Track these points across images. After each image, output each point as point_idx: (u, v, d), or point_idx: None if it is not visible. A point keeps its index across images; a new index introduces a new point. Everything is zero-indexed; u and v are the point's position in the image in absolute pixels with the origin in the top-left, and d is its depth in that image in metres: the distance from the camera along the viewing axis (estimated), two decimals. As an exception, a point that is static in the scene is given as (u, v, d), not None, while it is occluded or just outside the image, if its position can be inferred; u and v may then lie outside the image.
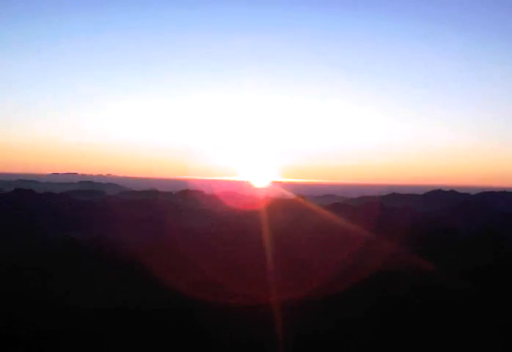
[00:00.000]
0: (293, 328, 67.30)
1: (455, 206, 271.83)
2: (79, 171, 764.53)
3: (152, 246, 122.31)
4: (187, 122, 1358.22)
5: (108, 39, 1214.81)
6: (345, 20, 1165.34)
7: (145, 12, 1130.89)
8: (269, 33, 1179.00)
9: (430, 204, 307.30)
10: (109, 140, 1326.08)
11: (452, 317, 73.55)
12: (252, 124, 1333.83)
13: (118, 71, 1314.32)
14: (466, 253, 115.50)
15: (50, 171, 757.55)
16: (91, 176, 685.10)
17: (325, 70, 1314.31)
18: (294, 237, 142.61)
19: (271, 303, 76.35)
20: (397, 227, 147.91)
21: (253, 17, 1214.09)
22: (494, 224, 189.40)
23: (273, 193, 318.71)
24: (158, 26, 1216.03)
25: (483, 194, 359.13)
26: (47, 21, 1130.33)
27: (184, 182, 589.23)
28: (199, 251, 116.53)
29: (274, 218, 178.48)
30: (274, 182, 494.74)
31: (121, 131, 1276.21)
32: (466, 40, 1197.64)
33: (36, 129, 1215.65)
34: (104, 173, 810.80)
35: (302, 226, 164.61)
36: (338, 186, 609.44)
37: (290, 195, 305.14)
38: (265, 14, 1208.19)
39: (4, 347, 60.59)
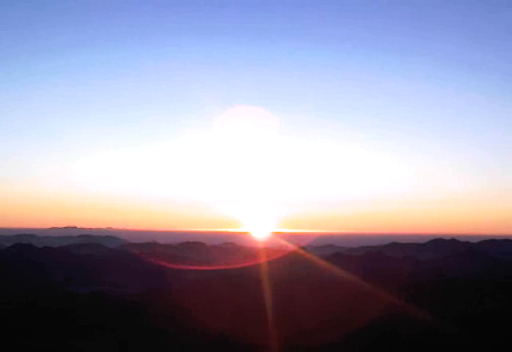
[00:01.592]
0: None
1: (456, 254, 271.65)
2: (78, 225, 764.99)
3: (153, 299, 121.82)
4: (186, 174, 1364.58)
5: (102, 94, 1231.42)
6: (344, 60, 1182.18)
7: (147, 55, 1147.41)
8: (268, 81, 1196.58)
9: (431, 253, 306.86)
10: (108, 193, 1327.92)
11: None
12: (251, 175, 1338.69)
13: (116, 123, 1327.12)
14: (466, 301, 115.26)
15: (49, 226, 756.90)
16: (90, 229, 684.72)
17: (324, 119, 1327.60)
18: (294, 288, 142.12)
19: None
20: (398, 277, 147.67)
21: (251, 61, 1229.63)
22: (495, 273, 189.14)
23: (274, 244, 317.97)
24: (157, 76, 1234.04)
25: (484, 242, 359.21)
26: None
27: (184, 234, 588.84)
28: (199, 303, 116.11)
29: (274, 269, 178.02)
30: (274, 233, 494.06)
31: (120, 184, 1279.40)
32: (468, 82, 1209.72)
33: (34, 183, 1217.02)
34: (103, 226, 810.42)
35: (303, 277, 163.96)
36: (338, 236, 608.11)
37: (290, 246, 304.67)
38: (262, 58, 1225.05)
39: None
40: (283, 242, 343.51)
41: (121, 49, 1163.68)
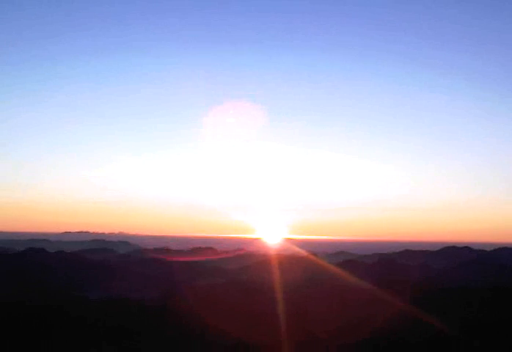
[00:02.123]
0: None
1: (469, 262, 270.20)
2: (91, 230, 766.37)
3: (166, 305, 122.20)
4: (199, 179, 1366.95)
5: (116, 93, 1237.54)
6: (345, 70, 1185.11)
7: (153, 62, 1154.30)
8: (274, 89, 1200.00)
9: (444, 261, 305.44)
10: (121, 198, 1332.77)
11: None
12: (264, 181, 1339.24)
13: (129, 127, 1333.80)
14: (478, 309, 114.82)
15: (62, 230, 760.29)
16: (103, 234, 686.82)
17: (335, 124, 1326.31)
18: (306, 294, 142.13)
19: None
20: (410, 284, 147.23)
21: (253, 70, 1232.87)
22: (508, 281, 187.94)
23: (286, 251, 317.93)
24: (165, 81, 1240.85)
25: (498, 250, 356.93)
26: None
27: (196, 239, 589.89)
28: (211, 309, 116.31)
29: (286, 275, 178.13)
30: (286, 239, 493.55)
31: (133, 189, 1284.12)
32: (469, 90, 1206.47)
33: (47, 187, 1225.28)
34: (116, 231, 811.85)
35: (314, 284, 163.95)
36: (350, 243, 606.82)
37: (302, 252, 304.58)
38: (263, 69, 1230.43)
39: None
40: (295, 248, 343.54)
41: (118, 56, 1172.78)
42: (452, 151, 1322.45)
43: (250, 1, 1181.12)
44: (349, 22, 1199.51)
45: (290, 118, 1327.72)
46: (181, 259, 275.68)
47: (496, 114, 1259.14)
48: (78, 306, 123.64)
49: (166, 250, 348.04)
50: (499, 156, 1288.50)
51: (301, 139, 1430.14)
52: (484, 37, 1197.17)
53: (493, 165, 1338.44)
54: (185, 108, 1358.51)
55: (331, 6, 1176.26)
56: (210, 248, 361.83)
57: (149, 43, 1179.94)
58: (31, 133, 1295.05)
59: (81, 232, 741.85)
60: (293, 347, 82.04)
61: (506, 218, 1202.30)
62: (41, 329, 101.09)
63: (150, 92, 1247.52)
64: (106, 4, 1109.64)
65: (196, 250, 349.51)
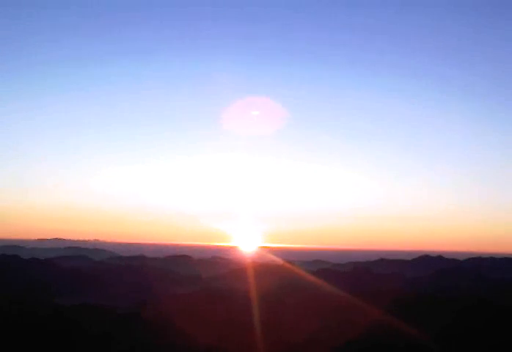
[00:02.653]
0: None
1: (443, 271, 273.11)
2: (66, 237, 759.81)
3: (140, 312, 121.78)
4: (176, 187, 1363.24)
5: (100, 103, 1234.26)
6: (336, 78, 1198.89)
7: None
8: (256, 94, 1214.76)
9: (418, 270, 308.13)
10: (96, 205, 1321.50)
11: None
12: (240, 190, 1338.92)
13: (103, 133, 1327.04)
14: (449, 317, 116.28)
15: (36, 237, 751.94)
16: (78, 241, 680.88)
17: (310, 134, 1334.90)
18: (281, 302, 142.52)
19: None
20: (385, 293, 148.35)
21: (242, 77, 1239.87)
22: (480, 290, 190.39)
23: (261, 259, 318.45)
24: (150, 91, 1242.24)
25: (471, 260, 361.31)
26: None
27: (171, 247, 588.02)
28: (185, 317, 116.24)
29: (262, 283, 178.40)
30: (262, 248, 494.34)
31: (108, 196, 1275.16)
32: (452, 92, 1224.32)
33: (20, 194, 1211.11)
34: (91, 238, 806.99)
35: (290, 292, 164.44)
36: (326, 251, 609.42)
37: (277, 260, 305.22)
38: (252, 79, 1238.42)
39: None
40: (271, 256, 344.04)
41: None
42: (427, 160, 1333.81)
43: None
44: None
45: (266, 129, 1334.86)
46: (157, 267, 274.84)
47: (473, 122, 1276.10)
48: (53, 313, 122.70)
49: (142, 258, 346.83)
50: (474, 165, 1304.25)
51: (276, 150, 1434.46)
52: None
53: (466, 175, 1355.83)
54: (167, 117, 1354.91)
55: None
56: (186, 256, 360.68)
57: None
58: (15, 136, 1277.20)
59: (56, 238, 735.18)
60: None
61: (480, 228, 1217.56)
62: (12, 335, 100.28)
63: (131, 100, 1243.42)
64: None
65: (172, 258, 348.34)
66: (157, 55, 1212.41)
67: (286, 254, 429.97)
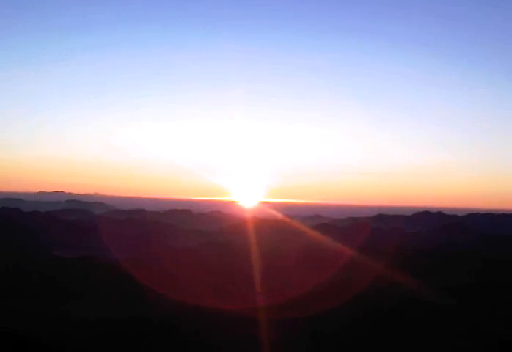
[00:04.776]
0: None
1: (442, 227, 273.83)
2: (66, 190, 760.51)
3: (139, 265, 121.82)
4: (176, 141, 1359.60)
5: (102, 51, 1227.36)
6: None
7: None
8: (260, 60, 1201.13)
9: (419, 226, 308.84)
10: (97, 158, 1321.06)
11: (435, 328, 76.82)
12: (241, 143, 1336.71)
13: (107, 88, 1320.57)
14: (451, 272, 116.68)
15: (36, 190, 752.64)
16: (78, 195, 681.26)
17: (312, 88, 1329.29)
18: (281, 256, 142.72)
19: (260, 322, 76.25)
20: (385, 247, 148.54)
21: (247, 43, 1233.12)
22: (478, 245, 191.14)
23: (261, 214, 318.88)
24: (157, 50, 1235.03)
25: (469, 216, 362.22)
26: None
27: (172, 201, 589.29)
28: (185, 270, 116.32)
29: (262, 238, 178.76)
30: (262, 203, 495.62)
31: (109, 149, 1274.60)
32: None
33: (22, 146, 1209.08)
34: (91, 192, 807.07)
35: (289, 246, 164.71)
36: (325, 207, 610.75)
37: (277, 215, 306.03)
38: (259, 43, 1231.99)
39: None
40: (271, 211, 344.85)
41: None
42: (428, 116, 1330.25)
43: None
44: None
45: (269, 84, 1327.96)
46: (156, 220, 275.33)
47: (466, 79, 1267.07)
48: (53, 265, 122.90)
49: (142, 211, 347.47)
50: (475, 121, 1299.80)
51: (280, 105, 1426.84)
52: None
53: (467, 131, 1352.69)
54: (173, 76, 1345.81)
55: None
56: (187, 210, 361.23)
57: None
58: (9, 90, 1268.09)
59: (56, 192, 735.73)
60: (268, 311, 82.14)
61: (477, 184, 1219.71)
62: (12, 286, 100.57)
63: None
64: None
65: (173, 212, 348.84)
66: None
67: (286, 209, 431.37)
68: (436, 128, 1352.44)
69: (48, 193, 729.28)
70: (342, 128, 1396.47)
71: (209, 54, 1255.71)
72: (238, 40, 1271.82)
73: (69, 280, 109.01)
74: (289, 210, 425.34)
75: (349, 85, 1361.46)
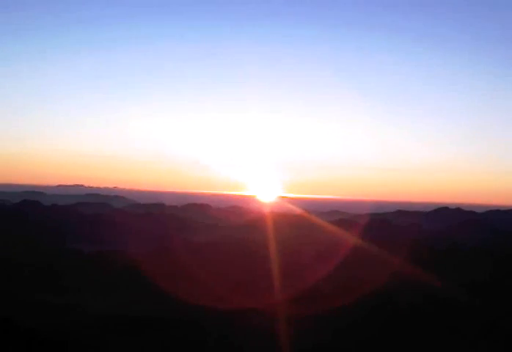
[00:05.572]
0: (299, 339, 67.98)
1: (461, 224, 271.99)
2: (85, 184, 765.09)
3: (157, 260, 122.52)
4: (195, 135, 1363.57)
5: (114, 49, 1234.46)
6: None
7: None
8: (276, 50, 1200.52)
9: (436, 222, 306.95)
10: (117, 152, 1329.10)
11: (453, 325, 77.10)
12: (260, 138, 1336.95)
13: (127, 82, 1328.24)
14: (469, 269, 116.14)
15: (56, 183, 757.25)
16: (97, 188, 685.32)
17: (333, 83, 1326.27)
18: (300, 252, 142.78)
19: (279, 317, 76.63)
20: (403, 244, 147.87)
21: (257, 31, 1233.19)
22: (498, 242, 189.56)
23: (280, 209, 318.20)
24: (167, 42, 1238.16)
25: (489, 213, 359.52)
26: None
27: (191, 195, 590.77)
28: (203, 265, 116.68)
29: (280, 233, 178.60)
30: (281, 197, 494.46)
31: (129, 143, 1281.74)
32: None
33: (43, 140, 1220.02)
34: (111, 185, 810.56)
35: (308, 242, 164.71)
36: (344, 202, 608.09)
37: (296, 210, 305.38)
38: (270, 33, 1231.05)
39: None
40: (289, 206, 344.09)
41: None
42: (448, 113, 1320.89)
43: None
44: None
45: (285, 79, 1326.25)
46: (175, 215, 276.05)
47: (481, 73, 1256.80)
48: (72, 258, 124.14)
49: (161, 205, 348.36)
50: (489, 117, 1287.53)
51: (299, 98, 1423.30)
52: None
53: (487, 127, 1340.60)
54: (180, 68, 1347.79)
55: None
56: (205, 205, 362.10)
57: None
58: (28, 86, 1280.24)
59: (76, 185, 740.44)
60: (286, 305, 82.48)
61: (497, 180, 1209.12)
62: (33, 280, 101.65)
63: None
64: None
65: (191, 206, 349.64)
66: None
67: (305, 204, 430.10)
68: (457, 123, 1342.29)
69: (68, 186, 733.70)
70: (359, 123, 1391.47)
71: (228, 50, 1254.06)
72: (256, 35, 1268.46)
73: (85, 274, 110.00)
74: (307, 205, 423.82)
75: (368, 78, 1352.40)
